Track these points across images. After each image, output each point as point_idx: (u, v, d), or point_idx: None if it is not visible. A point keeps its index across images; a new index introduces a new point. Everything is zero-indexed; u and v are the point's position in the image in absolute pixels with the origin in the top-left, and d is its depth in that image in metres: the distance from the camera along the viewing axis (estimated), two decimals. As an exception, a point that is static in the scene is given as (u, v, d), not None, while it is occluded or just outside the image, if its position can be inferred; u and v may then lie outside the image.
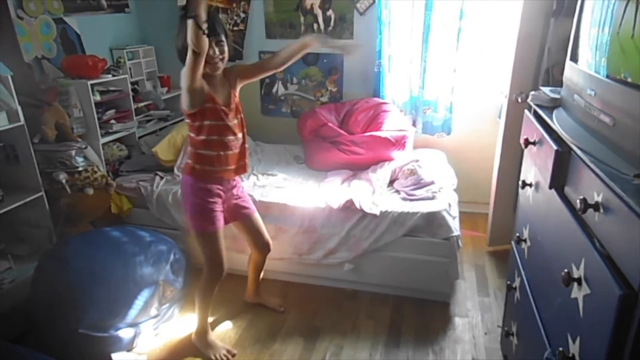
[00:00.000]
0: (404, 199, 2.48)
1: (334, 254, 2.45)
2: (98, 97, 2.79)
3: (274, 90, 3.49)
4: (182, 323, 2.29)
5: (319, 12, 3.20)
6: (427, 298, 2.44)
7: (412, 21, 2.99)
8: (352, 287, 2.54)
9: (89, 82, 2.68)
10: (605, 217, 0.97)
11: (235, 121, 1.91)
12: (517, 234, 1.73)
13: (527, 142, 1.57)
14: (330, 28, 3.22)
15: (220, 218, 1.96)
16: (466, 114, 3.18)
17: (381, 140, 2.83)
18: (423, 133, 3.21)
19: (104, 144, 2.85)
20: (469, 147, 3.21)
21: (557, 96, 1.57)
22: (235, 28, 3.34)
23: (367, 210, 2.35)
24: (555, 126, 1.37)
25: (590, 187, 1.05)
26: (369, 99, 3.16)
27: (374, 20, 3.08)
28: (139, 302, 2.07)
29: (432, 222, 2.31)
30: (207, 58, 1.74)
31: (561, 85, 1.56)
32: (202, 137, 1.84)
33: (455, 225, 2.36)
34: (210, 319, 2.14)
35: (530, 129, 1.58)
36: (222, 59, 1.81)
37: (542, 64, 2.42)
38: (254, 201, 2.34)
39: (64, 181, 2.45)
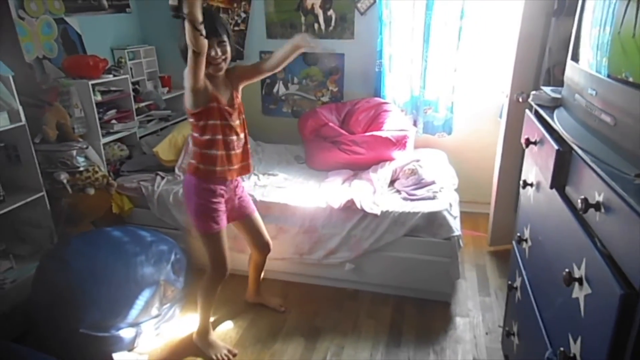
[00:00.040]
0: (404, 198, 2.48)
1: (335, 254, 2.45)
2: (99, 97, 2.79)
3: (275, 90, 3.49)
4: (183, 323, 2.29)
5: (319, 12, 3.20)
6: (428, 298, 2.44)
7: (412, 21, 2.99)
8: (353, 287, 2.54)
9: (90, 82, 2.69)
10: (607, 216, 0.97)
11: (238, 121, 1.91)
12: (518, 234, 1.73)
13: (528, 142, 1.57)
14: (331, 28, 3.22)
15: (223, 218, 1.96)
16: (467, 114, 3.18)
17: (382, 140, 2.83)
18: (424, 133, 3.21)
19: (105, 144, 2.85)
20: (470, 147, 3.21)
21: (558, 96, 1.57)
22: (236, 28, 3.34)
23: (368, 210, 2.35)
24: (556, 126, 1.37)
25: (592, 186, 1.05)
26: (370, 98, 3.15)
27: (374, 20, 3.08)
28: (140, 302, 2.08)
29: (433, 222, 2.31)
30: (210, 58, 1.74)
31: (562, 85, 1.55)
32: (206, 137, 1.84)
33: (456, 225, 2.36)
34: (211, 319, 2.14)
35: (531, 128, 1.58)
36: (224, 59, 1.81)
37: (543, 64, 2.42)
38: (255, 201, 2.34)
39: (65, 181, 2.46)
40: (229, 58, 1.84)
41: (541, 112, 1.56)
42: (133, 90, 3.08)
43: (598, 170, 1.02)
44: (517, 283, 1.71)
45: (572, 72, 1.45)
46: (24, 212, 2.35)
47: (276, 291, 2.53)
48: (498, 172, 2.74)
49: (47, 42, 2.75)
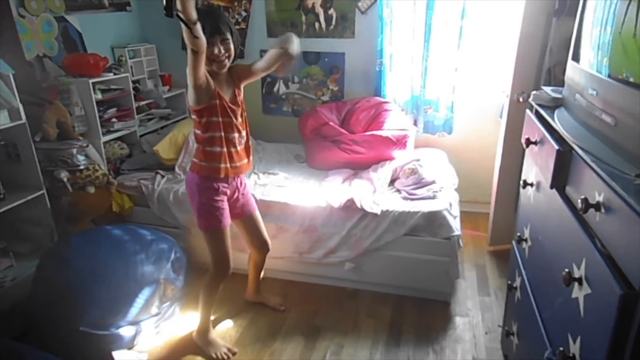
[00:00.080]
0: (404, 198, 2.48)
1: (335, 253, 2.45)
2: (99, 96, 2.79)
3: (275, 89, 3.49)
4: (183, 321, 2.29)
5: (320, 11, 3.20)
6: (428, 297, 2.44)
7: (413, 20, 2.99)
8: (353, 286, 2.54)
9: (91, 81, 2.68)
10: (607, 217, 0.97)
11: (240, 119, 1.91)
12: (518, 234, 1.73)
13: (529, 142, 1.57)
14: (331, 27, 3.22)
15: (226, 216, 1.96)
16: (467, 114, 3.18)
17: (382, 139, 2.83)
18: (424, 132, 3.21)
19: (105, 143, 2.85)
20: (470, 147, 3.21)
21: (559, 96, 1.57)
22: (237, 27, 3.34)
23: (368, 209, 2.35)
24: (557, 126, 1.37)
25: (592, 187, 1.05)
26: (370, 98, 3.15)
27: (375, 19, 3.08)
28: (139, 301, 2.08)
29: (433, 221, 2.31)
30: (213, 56, 1.75)
31: (563, 85, 1.55)
32: (208, 134, 1.85)
33: (456, 224, 2.36)
34: (211, 317, 2.14)
35: (532, 128, 1.58)
36: (227, 57, 1.81)
37: (543, 64, 2.42)
38: (255, 200, 2.33)
39: (65, 179, 2.46)
40: (232, 56, 1.84)
41: (542, 112, 1.56)
42: (133, 88, 3.08)
43: (598, 170, 1.02)
44: (517, 283, 1.71)
45: (572, 72, 1.45)
46: (24, 210, 2.35)
47: (276, 290, 2.54)
48: (498, 171, 2.74)
49: (47, 41, 2.75)
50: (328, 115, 3.12)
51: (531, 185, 1.61)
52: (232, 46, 1.81)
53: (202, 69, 1.69)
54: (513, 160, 2.56)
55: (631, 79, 1.05)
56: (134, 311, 2.06)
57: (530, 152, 1.62)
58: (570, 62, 1.48)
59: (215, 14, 1.79)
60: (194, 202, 1.96)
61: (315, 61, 3.33)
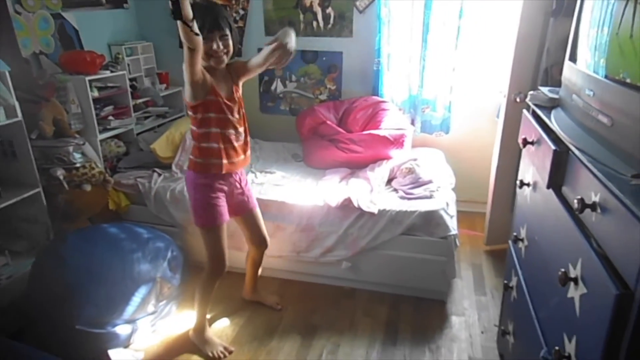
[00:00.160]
0: (402, 197, 2.48)
1: (332, 252, 2.45)
2: (96, 93, 2.78)
3: (273, 87, 3.49)
4: (180, 320, 2.29)
5: (318, 10, 3.19)
6: (424, 296, 2.44)
7: (411, 20, 2.99)
8: (350, 285, 2.55)
9: (87, 78, 2.68)
10: (603, 217, 0.97)
11: (237, 116, 1.91)
12: (515, 234, 1.74)
13: (525, 142, 1.57)
14: (329, 26, 3.21)
15: (223, 213, 1.96)
16: (465, 113, 3.18)
17: (380, 138, 2.83)
18: (421, 132, 3.21)
19: (101, 140, 2.84)
20: (467, 147, 3.22)
21: (556, 96, 1.57)
22: (235, 25, 3.33)
23: (365, 208, 2.35)
24: (554, 126, 1.37)
25: (588, 187, 1.05)
26: (368, 97, 3.15)
27: (373, 19, 3.08)
28: (136, 299, 2.08)
29: (430, 220, 2.31)
30: (211, 52, 1.76)
31: (560, 85, 1.56)
32: (203, 130, 1.85)
33: (452, 224, 2.36)
34: (207, 316, 2.14)
35: (529, 128, 1.58)
36: (226, 53, 1.82)
37: (541, 64, 2.42)
38: (252, 199, 2.34)
39: (61, 177, 2.45)
40: (231, 52, 1.85)
41: (538, 112, 1.56)
42: (130, 86, 3.07)
43: (595, 170, 1.02)
44: (513, 282, 1.72)
45: (569, 72, 1.45)
46: (20, 208, 2.34)
47: (273, 289, 2.54)
48: (495, 171, 2.74)
49: (44, 38, 2.74)
50: (325, 114, 3.12)
51: (528, 185, 1.62)
52: (230, 42, 1.82)
53: (199, 65, 1.70)
54: (510, 160, 2.57)
55: (628, 80, 1.05)
56: (130, 310, 2.06)
57: (527, 152, 1.62)
58: (567, 63, 1.49)
59: (215, 9, 1.79)
60: (191, 199, 1.97)
61: (313, 60, 3.33)
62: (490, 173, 2.82)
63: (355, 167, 2.86)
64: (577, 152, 1.15)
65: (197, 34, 1.56)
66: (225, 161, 1.89)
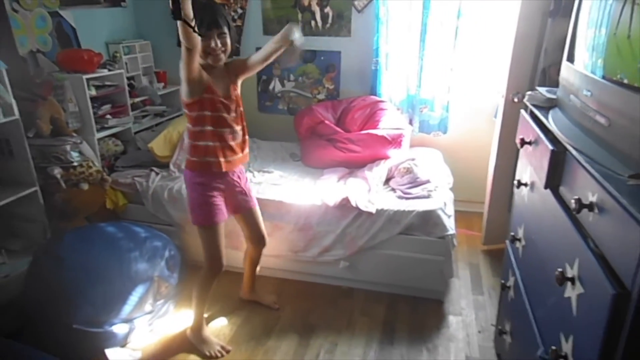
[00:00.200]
0: (399, 197, 2.48)
1: (330, 252, 2.45)
2: (94, 92, 2.77)
3: (271, 87, 3.48)
4: (177, 319, 2.28)
5: (316, 9, 3.19)
6: (422, 296, 2.45)
7: (409, 20, 2.99)
8: (348, 284, 2.55)
9: (85, 77, 2.67)
10: (600, 217, 0.98)
11: (234, 114, 1.90)
12: (512, 233, 1.74)
13: (523, 142, 1.57)
14: (327, 25, 3.21)
15: (220, 212, 1.95)
16: (462, 113, 3.19)
17: (378, 138, 2.83)
18: (419, 132, 3.22)
19: (99, 139, 2.83)
20: (465, 146, 3.22)
21: (553, 96, 1.58)
22: (233, 24, 3.32)
23: (362, 208, 2.35)
24: (551, 126, 1.38)
25: (585, 187, 1.05)
26: (366, 96, 3.15)
27: (371, 18, 3.08)
28: (133, 298, 2.07)
29: (428, 220, 2.32)
30: (209, 49, 1.76)
31: (557, 86, 1.56)
32: (198, 128, 1.85)
33: (450, 224, 2.37)
34: (205, 315, 2.14)
35: (526, 128, 1.58)
36: (223, 51, 1.82)
37: (538, 64, 2.43)
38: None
39: (58, 176, 2.44)
40: (229, 50, 1.85)
41: (536, 112, 1.56)
42: (128, 85, 3.06)
43: (592, 171, 1.02)
44: (510, 282, 1.72)
45: (567, 72, 1.46)
46: (17, 206, 2.33)
47: (270, 288, 2.54)
48: (493, 171, 2.75)
49: (41, 36, 2.73)
50: (324, 113, 3.12)
51: (525, 185, 1.62)
52: (228, 40, 1.82)
53: (196, 63, 1.71)
54: (507, 160, 2.57)
55: (625, 81, 1.05)
56: (127, 309, 2.05)
57: (524, 152, 1.62)
58: (565, 63, 1.49)
59: (214, 7, 1.80)
60: (188, 197, 1.98)
61: (311, 59, 3.33)
62: (488, 173, 2.82)
63: (353, 166, 2.86)
64: (574, 152, 1.15)
65: (199, 35, 1.57)
66: (221, 159, 1.89)
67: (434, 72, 3.06)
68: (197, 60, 1.71)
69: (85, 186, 2.56)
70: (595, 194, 1.00)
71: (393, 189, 2.60)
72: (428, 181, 2.56)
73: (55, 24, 2.81)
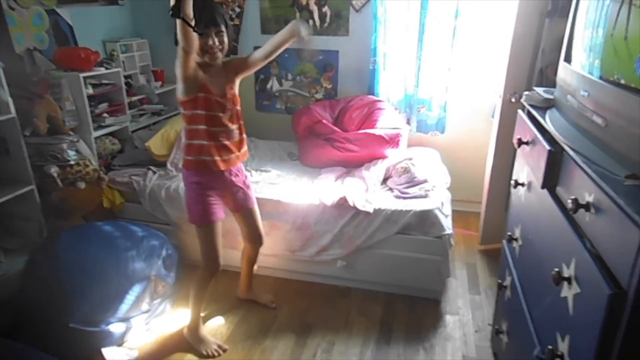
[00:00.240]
0: (397, 196, 2.48)
1: (327, 251, 2.45)
2: (91, 90, 2.76)
3: (269, 86, 3.48)
4: (174, 318, 2.28)
5: (314, 9, 3.19)
6: (419, 295, 2.45)
7: (407, 19, 2.99)
8: (345, 284, 2.55)
9: (82, 75, 2.66)
10: (596, 217, 0.98)
11: (229, 113, 1.90)
12: (509, 233, 1.75)
13: (520, 142, 1.58)
14: (325, 24, 3.21)
15: (216, 211, 1.95)
16: (460, 113, 3.19)
17: (375, 137, 2.83)
18: (417, 131, 3.22)
19: (96, 138, 2.82)
20: (463, 146, 3.23)
21: (551, 97, 1.58)
22: (231, 23, 3.31)
23: (360, 207, 2.35)
24: (548, 126, 1.38)
25: (582, 187, 1.06)
26: (364, 96, 3.16)
27: (369, 18, 3.08)
28: (130, 297, 2.07)
29: (425, 220, 2.32)
30: (207, 47, 1.76)
31: (555, 86, 1.57)
32: (192, 127, 1.85)
33: (447, 223, 2.37)
34: (202, 314, 2.14)
35: (524, 128, 1.59)
36: (221, 49, 1.82)
37: (536, 64, 2.44)
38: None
39: (55, 175, 2.43)
40: (226, 48, 1.85)
41: (533, 112, 1.57)
42: (125, 83, 3.05)
43: (589, 171, 1.03)
44: (507, 282, 1.73)
45: (564, 73, 1.46)
46: (14, 205, 2.32)
47: (268, 288, 2.53)
48: (490, 171, 2.75)
49: (37, 34, 2.71)
50: (321, 113, 3.12)
51: (522, 185, 1.62)
52: (226, 39, 1.83)
53: (192, 62, 1.71)
54: (505, 160, 2.58)
55: (622, 81, 1.06)
56: (124, 308, 2.05)
57: (521, 152, 1.63)
58: (562, 63, 1.50)
59: (212, 5, 1.80)
60: (185, 195, 1.98)
61: (309, 58, 3.32)
62: (485, 173, 2.83)
63: (351, 166, 2.86)
64: (571, 152, 1.15)
65: (199, 33, 1.57)
66: (217, 158, 1.88)
67: (431, 71, 3.06)
68: (193, 59, 1.71)
69: (82, 185, 2.56)
70: (592, 194, 1.00)
71: (390, 189, 2.60)
72: (425, 181, 2.57)
73: (52, 22, 2.80)
